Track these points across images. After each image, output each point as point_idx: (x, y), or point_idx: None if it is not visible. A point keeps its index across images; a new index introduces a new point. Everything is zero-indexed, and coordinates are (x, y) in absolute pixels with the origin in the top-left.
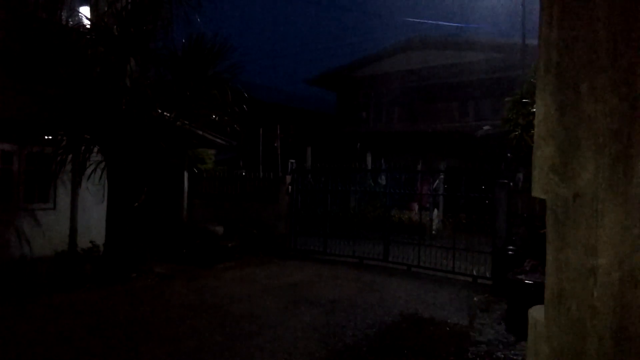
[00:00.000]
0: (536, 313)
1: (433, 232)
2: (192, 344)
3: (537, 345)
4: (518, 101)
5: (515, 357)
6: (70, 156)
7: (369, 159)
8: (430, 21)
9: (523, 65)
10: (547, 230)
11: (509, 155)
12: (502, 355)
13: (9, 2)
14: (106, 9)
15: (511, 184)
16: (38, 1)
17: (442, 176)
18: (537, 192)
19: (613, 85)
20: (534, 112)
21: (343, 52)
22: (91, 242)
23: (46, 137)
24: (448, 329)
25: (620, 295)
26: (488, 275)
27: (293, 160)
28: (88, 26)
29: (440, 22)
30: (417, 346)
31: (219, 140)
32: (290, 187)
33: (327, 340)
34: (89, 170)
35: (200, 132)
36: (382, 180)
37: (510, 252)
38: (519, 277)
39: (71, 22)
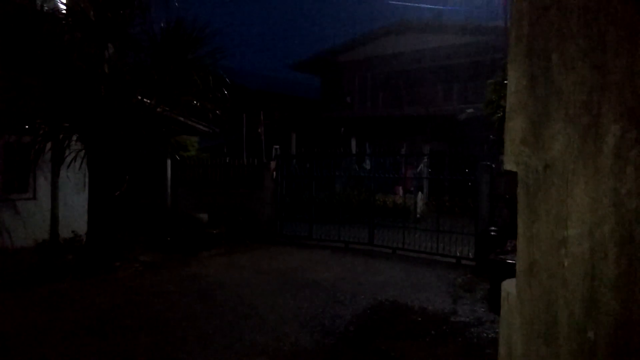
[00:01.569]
0: (508, 286)
1: (418, 215)
2: (178, 330)
3: (510, 317)
4: (500, 83)
5: (495, 334)
6: (49, 145)
7: (353, 143)
8: (413, 4)
9: (506, 48)
10: (519, 203)
11: (491, 137)
12: (484, 334)
13: None
14: None
15: (493, 165)
16: None
17: (426, 159)
18: (508, 164)
19: (583, 54)
20: None
21: (327, 36)
22: (73, 231)
23: (24, 126)
24: (432, 309)
25: (591, 266)
26: (471, 257)
27: (277, 146)
28: (64, 11)
29: (423, 5)
30: (401, 327)
31: (201, 127)
32: (275, 173)
33: (314, 323)
34: (68, 159)
35: (182, 119)
36: (367, 164)
37: (492, 234)
38: (501, 257)
39: (46, 8)
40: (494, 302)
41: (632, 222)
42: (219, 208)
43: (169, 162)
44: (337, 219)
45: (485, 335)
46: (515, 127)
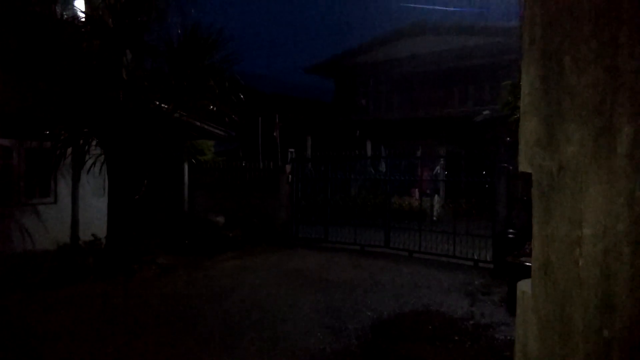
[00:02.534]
0: (524, 285)
1: (434, 217)
2: (196, 331)
3: (526, 316)
4: (516, 85)
5: (512, 336)
6: (69, 150)
7: (368, 146)
8: (428, 6)
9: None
10: (533, 204)
11: (508, 139)
12: (502, 336)
13: None
14: (100, 1)
15: (511, 167)
16: None
17: (442, 162)
18: (523, 165)
19: (596, 57)
20: None
21: (340, 39)
22: (93, 235)
23: (45, 132)
24: (450, 312)
25: (605, 265)
26: (489, 259)
27: (292, 150)
28: (83, 19)
29: (438, 7)
30: (419, 330)
31: (217, 131)
32: (290, 176)
33: (332, 326)
34: (88, 164)
35: (199, 124)
36: (382, 167)
37: (510, 236)
38: (519, 259)
39: (66, 16)
40: (512, 304)
41: None
42: (235, 211)
43: (186, 166)
44: (352, 222)
45: (503, 338)
46: (529, 129)
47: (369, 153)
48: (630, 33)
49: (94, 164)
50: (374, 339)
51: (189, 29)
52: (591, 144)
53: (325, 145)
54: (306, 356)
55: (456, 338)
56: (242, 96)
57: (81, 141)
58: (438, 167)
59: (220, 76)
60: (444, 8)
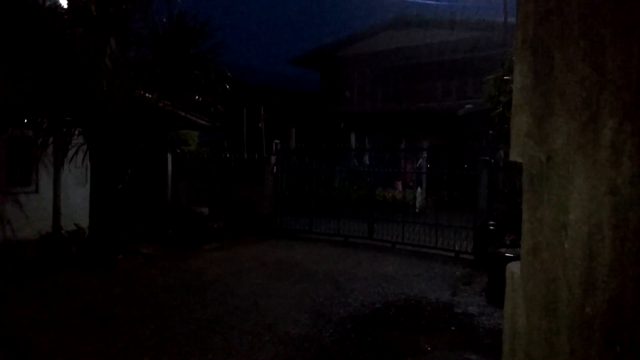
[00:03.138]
0: (513, 266)
1: (417, 210)
2: (180, 320)
3: (514, 295)
4: (500, 79)
5: (493, 325)
6: (51, 139)
7: (352, 138)
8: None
9: (505, 44)
10: (523, 191)
11: (490, 132)
12: (483, 324)
13: None
14: None
15: (492, 160)
16: None
17: (425, 154)
18: (514, 156)
19: (583, 55)
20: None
21: (326, 31)
22: (75, 224)
23: (26, 120)
24: (431, 302)
25: (589, 247)
26: (470, 251)
27: (277, 141)
28: (65, 6)
29: (421, 1)
30: (402, 317)
31: (202, 122)
32: (275, 167)
33: (317, 315)
34: (70, 153)
35: (183, 114)
36: (366, 159)
37: (491, 228)
38: (500, 250)
39: (48, 3)
40: (492, 294)
41: (627, 208)
42: (219, 202)
43: (169, 156)
44: (336, 213)
45: (484, 325)
46: (520, 121)
47: (353, 145)
48: (615, 34)
49: (76, 153)
50: (358, 326)
51: (175, 17)
52: (577, 136)
53: (310, 136)
54: (292, 343)
55: (438, 325)
56: (227, 87)
57: (64, 130)
58: (421, 160)
59: (206, 66)
60: (428, 2)
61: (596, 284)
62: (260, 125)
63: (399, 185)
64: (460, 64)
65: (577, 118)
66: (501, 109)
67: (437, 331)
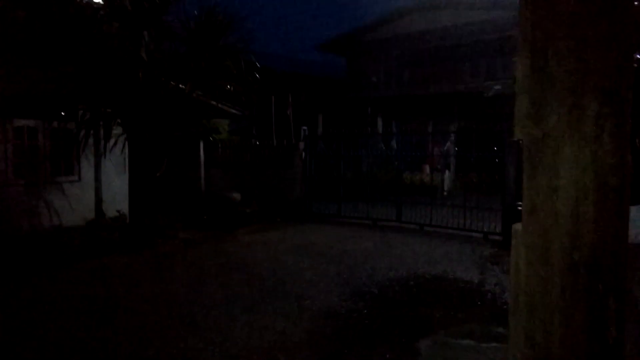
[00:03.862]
0: (517, 226)
1: (445, 192)
2: (223, 298)
3: (517, 248)
4: None
5: None
6: (92, 130)
7: (379, 123)
8: None
9: None
10: (524, 162)
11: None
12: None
13: None
14: None
15: (521, 142)
16: None
17: (453, 137)
18: (517, 134)
19: (571, 51)
20: None
21: (351, 16)
22: (117, 211)
23: (68, 113)
24: (460, 279)
25: (575, 207)
26: (498, 231)
27: (305, 127)
28: (102, 2)
29: None
30: (431, 293)
31: (232, 111)
32: (303, 153)
33: (352, 290)
34: (110, 143)
35: (215, 103)
36: (394, 143)
37: (519, 208)
38: None
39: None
40: None
41: (607, 174)
42: (250, 188)
43: (202, 144)
44: (364, 197)
45: None
46: (521, 106)
47: (380, 130)
48: (596, 33)
49: (115, 143)
50: (391, 300)
51: (206, 10)
52: (566, 116)
53: (337, 122)
54: (330, 313)
55: (468, 301)
56: (257, 76)
57: (103, 121)
58: (448, 143)
59: (236, 56)
60: None
61: (581, 236)
62: (288, 112)
63: (427, 168)
64: (488, 44)
65: (566, 102)
66: None
67: (466, 306)
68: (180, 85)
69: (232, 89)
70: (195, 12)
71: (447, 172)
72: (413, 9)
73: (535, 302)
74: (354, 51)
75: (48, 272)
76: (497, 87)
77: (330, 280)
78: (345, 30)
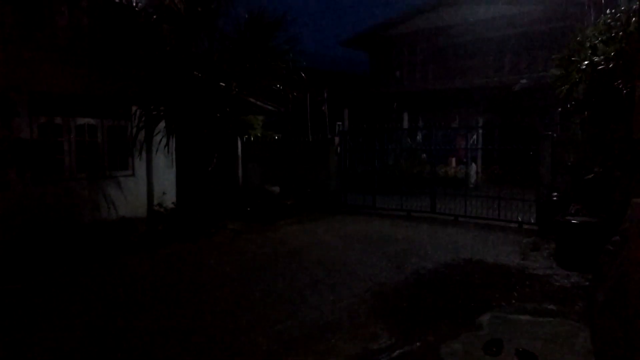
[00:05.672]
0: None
1: (471, 185)
2: (284, 282)
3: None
4: (566, 59)
5: (565, 283)
6: (144, 128)
7: (405, 117)
8: None
9: (565, 17)
10: None
11: (559, 109)
12: (557, 283)
13: None
14: None
15: (554, 135)
16: None
17: (480, 131)
18: (636, 134)
19: None
20: (583, 69)
21: (374, 13)
22: (173, 203)
23: (123, 111)
24: (504, 264)
25: None
26: (532, 221)
27: (340, 123)
28: (157, 7)
29: None
30: (478, 277)
31: (269, 107)
32: (339, 147)
33: (398, 269)
34: (160, 139)
35: (254, 100)
36: (419, 137)
37: (554, 199)
38: (567, 218)
39: (141, 4)
40: (561, 258)
41: None
42: (286, 181)
43: (239, 139)
44: (394, 190)
45: (557, 284)
46: None
47: (406, 124)
48: None
49: (168, 140)
50: (444, 281)
51: (255, 13)
52: None
53: (362, 117)
54: (391, 292)
55: (516, 283)
56: (303, 75)
57: (155, 120)
58: (475, 136)
59: (283, 57)
60: None
61: None
62: (323, 108)
63: (453, 161)
64: (513, 39)
65: None
66: (569, 86)
67: (515, 288)
68: (221, 84)
69: (280, 88)
70: (246, 15)
71: (473, 164)
72: (436, 5)
73: None
74: (377, 46)
75: (119, 259)
76: (524, 81)
77: (384, 265)
78: (368, 26)
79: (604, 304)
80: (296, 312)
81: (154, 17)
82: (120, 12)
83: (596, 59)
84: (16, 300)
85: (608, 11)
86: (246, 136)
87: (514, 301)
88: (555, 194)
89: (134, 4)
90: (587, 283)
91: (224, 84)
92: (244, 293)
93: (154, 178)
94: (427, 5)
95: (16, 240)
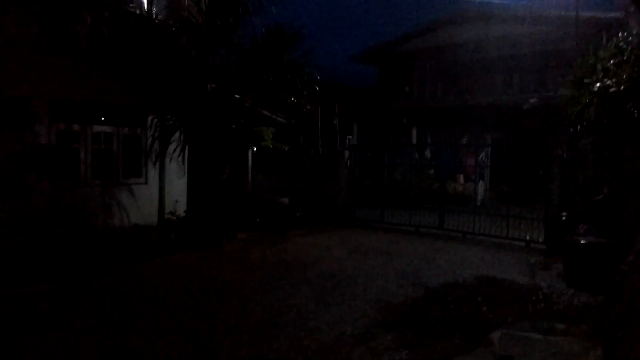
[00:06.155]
0: None
1: (478, 202)
2: (290, 292)
3: None
4: (578, 81)
5: (575, 302)
6: (158, 137)
7: (414, 133)
8: None
9: (575, 38)
10: None
11: (571, 130)
12: (566, 301)
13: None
14: (192, 3)
15: (565, 155)
16: None
17: (487, 148)
18: None
19: None
20: (595, 91)
21: (384, 30)
22: (185, 211)
23: (137, 120)
24: (513, 282)
25: None
26: (540, 240)
27: (350, 137)
28: (175, 20)
29: None
30: (488, 294)
31: (280, 119)
32: (348, 161)
33: (409, 284)
34: (172, 149)
35: (267, 112)
36: (428, 153)
37: (563, 218)
38: (576, 238)
39: (160, 17)
40: (570, 277)
41: None
42: (296, 193)
43: (249, 151)
44: (402, 205)
45: (567, 303)
46: None
47: (414, 140)
48: None
49: (181, 150)
50: (455, 297)
51: (273, 27)
52: None
53: (371, 131)
54: (402, 308)
55: (526, 301)
56: (317, 88)
57: (169, 129)
58: (483, 154)
59: (298, 71)
60: None
61: None
62: (334, 122)
63: (461, 178)
64: (522, 58)
65: None
66: (580, 108)
67: (525, 306)
68: (236, 95)
69: (295, 101)
70: (263, 29)
71: (480, 182)
72: (447, 22)
73: None
74: (387, 62)
75: (135, 265)
76: (533, 100)
77: (394, 280)
78: (379, 42)
79: (618, 322)
80: (307, 322)
81: (173, 29)
82: (140, 23)
83: (608, 81)
84: (55, 299)
85: (620, 34)
86: (256, 147)
87: (525, 319)
88: (565, 213)
89: (154, 16)
90: (597, 303)
91: (238, 96)
92: (251, 304)
93: (166, 186)
94: (436, 23)
95: (38, 243)
